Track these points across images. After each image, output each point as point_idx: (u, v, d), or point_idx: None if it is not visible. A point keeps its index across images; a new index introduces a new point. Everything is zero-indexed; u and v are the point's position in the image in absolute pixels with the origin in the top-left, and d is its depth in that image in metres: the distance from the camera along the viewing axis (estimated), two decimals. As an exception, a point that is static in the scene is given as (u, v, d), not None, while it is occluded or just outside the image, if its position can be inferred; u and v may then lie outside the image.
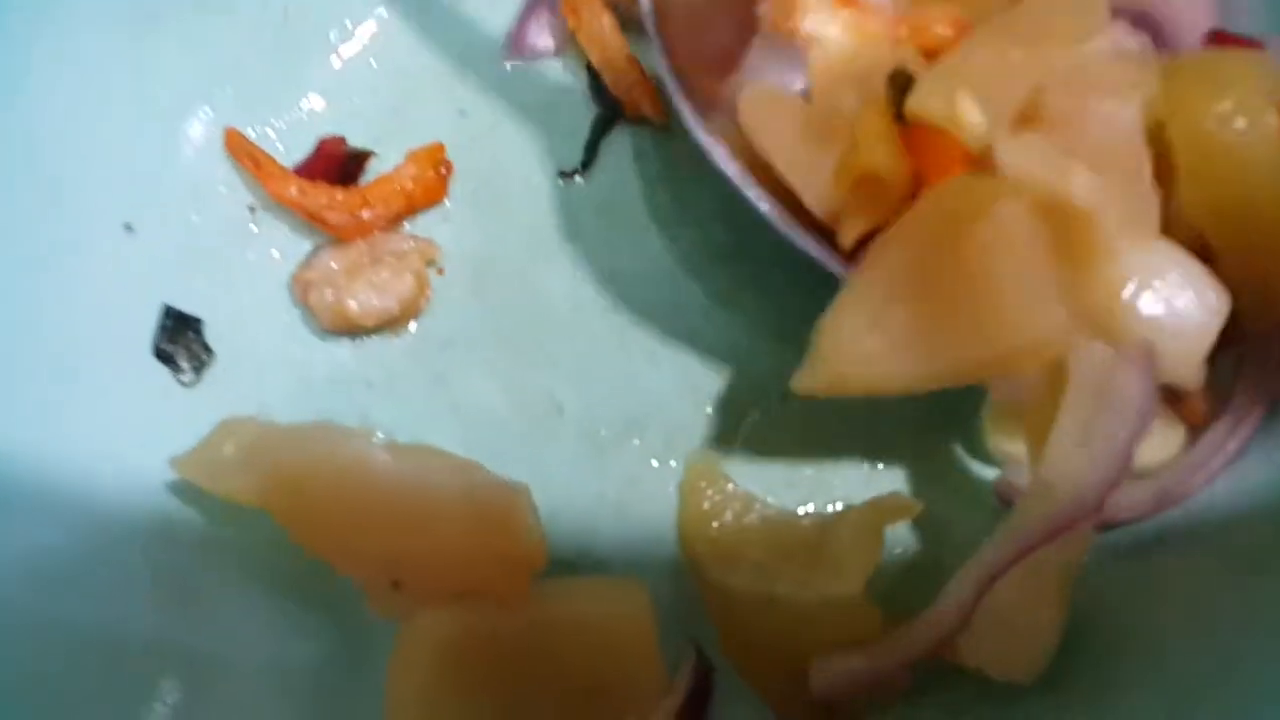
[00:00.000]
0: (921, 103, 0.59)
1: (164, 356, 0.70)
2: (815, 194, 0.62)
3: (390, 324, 0.72)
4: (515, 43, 0.79)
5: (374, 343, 0.73)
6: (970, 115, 0.57)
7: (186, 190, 0.73)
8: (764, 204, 0.63)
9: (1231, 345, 0.66)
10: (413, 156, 0.75)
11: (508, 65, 0.79)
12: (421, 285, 0.72)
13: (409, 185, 0.74)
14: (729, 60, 0.69)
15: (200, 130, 0.74)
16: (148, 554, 0.65)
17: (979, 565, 0.58)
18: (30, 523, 0.61)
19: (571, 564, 0.68)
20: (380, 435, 0.70)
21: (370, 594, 0.62)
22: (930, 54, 0.64)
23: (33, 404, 0.63)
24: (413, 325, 0.73)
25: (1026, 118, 0.60)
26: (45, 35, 0.67)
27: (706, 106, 0.66)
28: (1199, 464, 0.65)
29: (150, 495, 0.66)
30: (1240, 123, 0.59)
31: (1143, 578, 0.65)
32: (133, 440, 0.67)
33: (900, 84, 0.60)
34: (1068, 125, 0.59)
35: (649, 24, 0.66)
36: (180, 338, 0.71)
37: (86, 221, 0.69)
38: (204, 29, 0.74)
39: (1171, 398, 0.68)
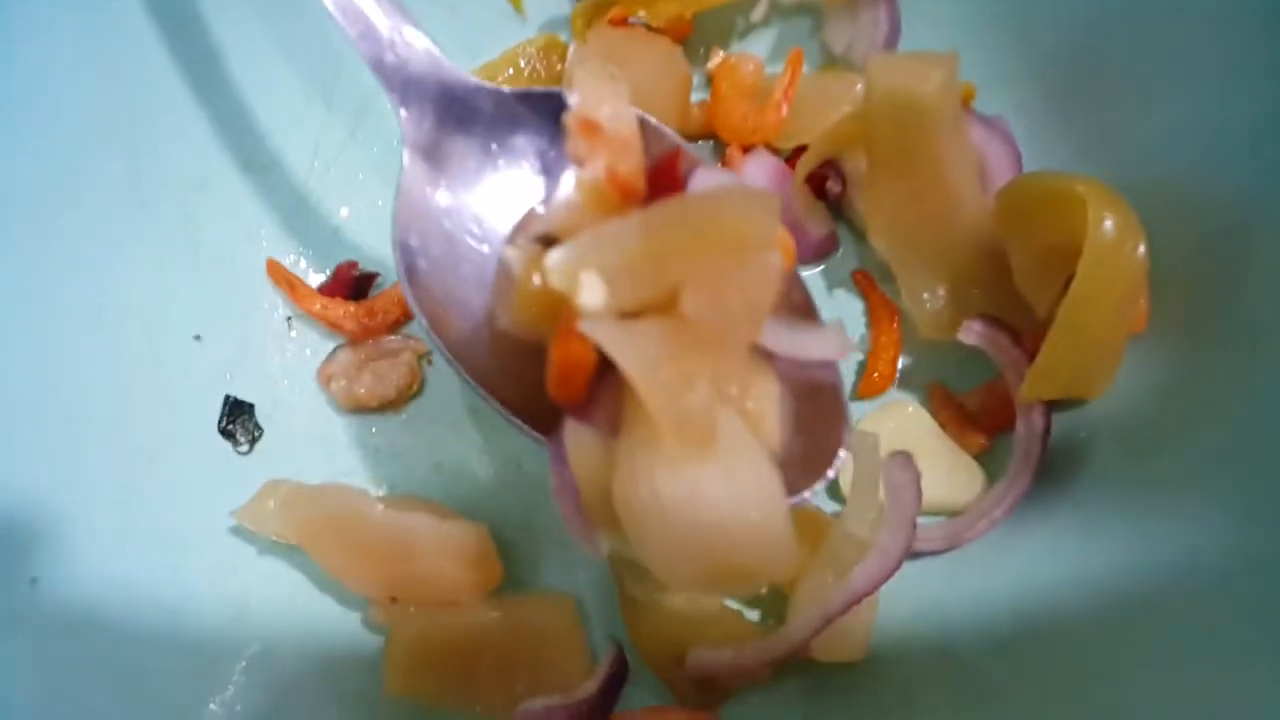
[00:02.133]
0: (547, 270, 0.61)
1: (226, 434, 0.94)
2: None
3: (391, 405, 0.95)
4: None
5: (379, 419, 0.95)
6: (588, 294, 0.60)
7: (240, 308, 0.96)
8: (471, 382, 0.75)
9: (1009, 426, 0.86)
10: (407, 275, 0.97)
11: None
12: (414, 375, 0.95)
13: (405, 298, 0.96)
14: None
15: (249, 261, 0.97)
16: (212, 581, 0.88)
17: (823, 605, 0.79)
18: (127, 567, 0.84)
19: (524, 581, 0.91)
20: (383, 490, 0.93)
21: (373, 605, 0.85)
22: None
23: (123, 483, 0.86)
24: (409, 406, 0.96)
25: (663, 304, 0.62)
26: (126, 207, 0.91)
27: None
28: (983, 513, 0.85)
29: (217, 538, 0.90)
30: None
31: (941, 592, 0.85)
32: (202, 497, 0.90)
33: (546, 245, 0.64)
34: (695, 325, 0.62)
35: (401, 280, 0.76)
36: (238, 419, 0.94)
37: (164, 336, 0.92)
38: (248, 185, 0.97)
39: (956, 433, 0.88)
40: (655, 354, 0.60)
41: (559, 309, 0.64)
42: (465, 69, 0.82)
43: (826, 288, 0.97)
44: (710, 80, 0.97)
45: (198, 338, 0.93)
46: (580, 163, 0.69)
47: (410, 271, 0.77)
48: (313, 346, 0.97)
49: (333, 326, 0.95)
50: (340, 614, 0.88)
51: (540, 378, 0.69)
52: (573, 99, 0.71)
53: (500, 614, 0.84)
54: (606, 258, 0.61)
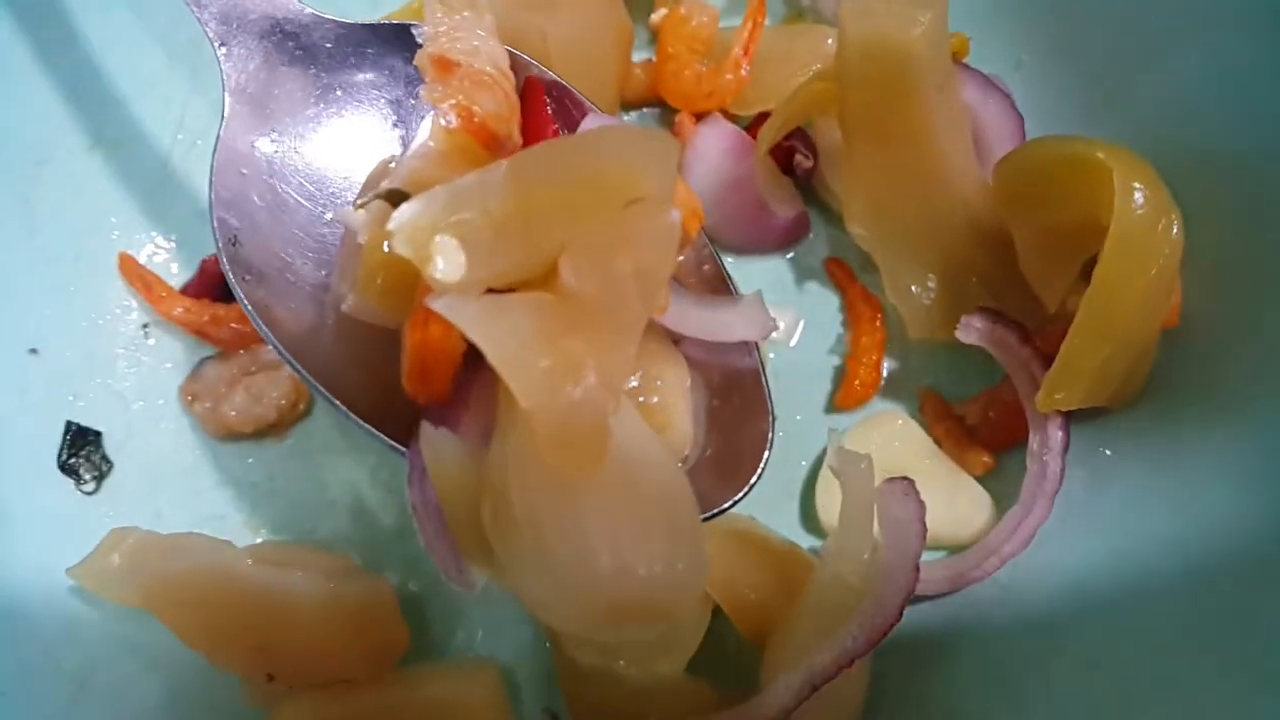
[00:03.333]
0: (392, 235, 0.51)
1: (68, 469, 0.77)
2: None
3: (271, 429, 0.79)
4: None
5: (257, 447, 0.79)
6: (443, 264, 0.50)
7: (86, 313, 0.81)
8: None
9: (1019, 441, 0.73)
10: (290, 271, 0.81)
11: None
12: (298, 392, 0.79)
13: (287, 299, 0.80)
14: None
15: (97, 256, 0.81)
16: (49, 653, 0.72)
17: (807, 668, 0.64)
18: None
19: (440, 644, 0.75)
20: (261, 536, 0.77)
21: (246, 685, 0.69)
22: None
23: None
24: (294, 429, 0.80)
25: (540, 277, 0.53)
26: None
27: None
28: (992, 549, 0.71)
29: (55, 598, 0.73)
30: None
31: (944, 642, 0.71)
32: (38, 548, 0.74)
33: (396, 204, 0.52)
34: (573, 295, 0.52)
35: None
36: (82, 451, 0.78)
37: (-8, 351, 0.76)
38: (95, 164, 0.82)
39: (955, 450, 0.75)
40: (528, 338, 0.50)
41: (414, 284, 0.55)
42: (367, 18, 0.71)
43: (795, 279, 0.84)
44: (656, 35, 0.85)
45: (34, 351, 0.80)
46: (436, 107, 0.59)
47: (232, 245, 0.64)
48: (174, 359, 0.82)
49: (198, 334, 0.80)
50: (206, 695, 0.72)
51: (396, 372, 0.59)
52: (424, 32, 0.61)
53: (406, 692, 0.69)
54: (465, 219, 0.50)
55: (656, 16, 0.84)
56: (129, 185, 0.83)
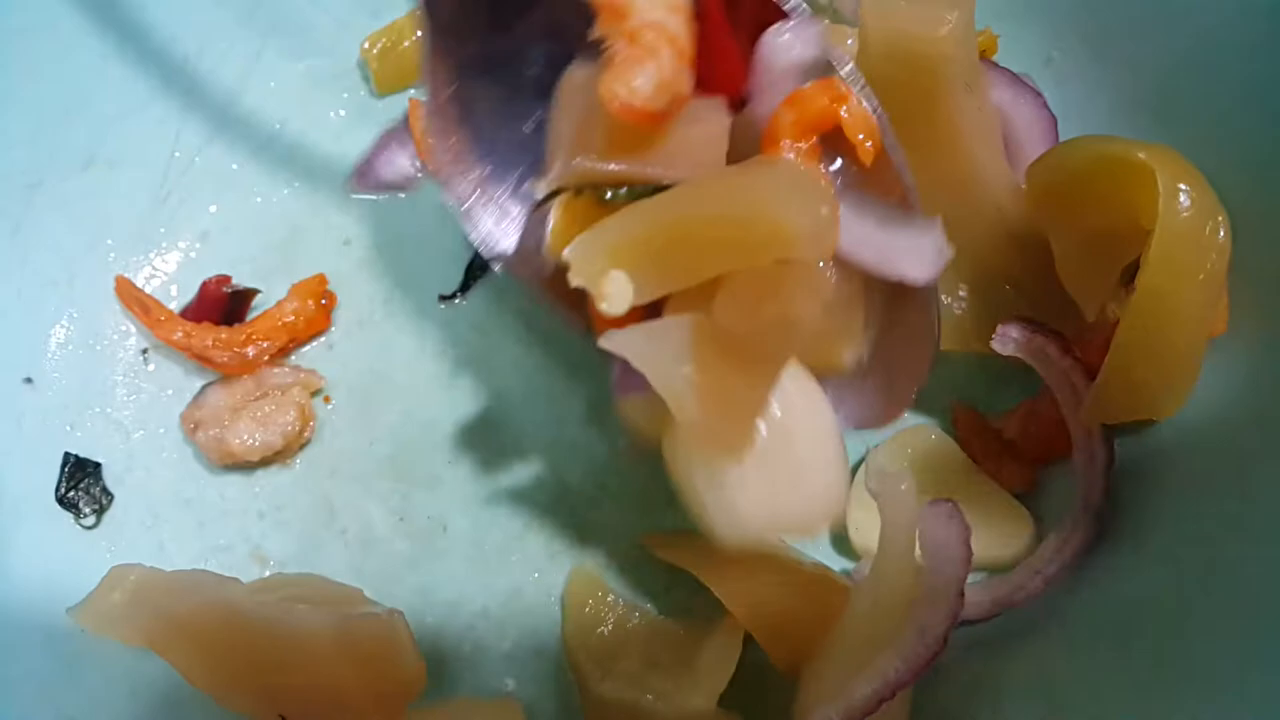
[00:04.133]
0: (572, 273, 0.55)
1: (67, 503, 0.74)
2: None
3: (277, 456, 0.75)
4: (361, 176, 0.82)
5: (263, 475, 0.76)
6: (612, 298, 0.55)
7: (83, 339, 0.77)
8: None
9: (1060, 456, 0.69)
10: (294, 290, 0.78)
11: (375, 197, 0.82)
12: (305, 417, 0.75)
13: (291, 319, 0.77)
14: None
15: (93, 279, 0.78)
16: (49, 694, 0.68)
17: (846, 701, 0.60)
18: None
19: (456, 680, 0.71)
20: (269, 568, 0.73)
21: (256, 728, 0.65)
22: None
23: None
24: (300, 455, 0.76)
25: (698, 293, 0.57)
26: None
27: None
28: (1036, 569, 0.68)
29: (56, 637, 0.69)
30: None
31: (987, 669, 0.67)
32: (38, 586, 0.71)
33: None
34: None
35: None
36: (80, 483, 0.74)
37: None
38: (89, 185, 0.78)
39: (992, 467, 0.71)
40: (682, 363, 0.55)
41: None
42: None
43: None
44: None
45: (29, 380, 0.76)
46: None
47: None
48: (175, 386, 0.78)
49: (200, 359, 0.77)
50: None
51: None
52: None
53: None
54: (632, 250, 0.55)
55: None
56: (124, 206, 0.79)
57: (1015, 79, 0.74)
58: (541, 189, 0.61)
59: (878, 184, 0.63)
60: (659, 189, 0.58)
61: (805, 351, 0.60)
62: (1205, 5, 0.71)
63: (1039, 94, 0.74)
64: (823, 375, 0.62)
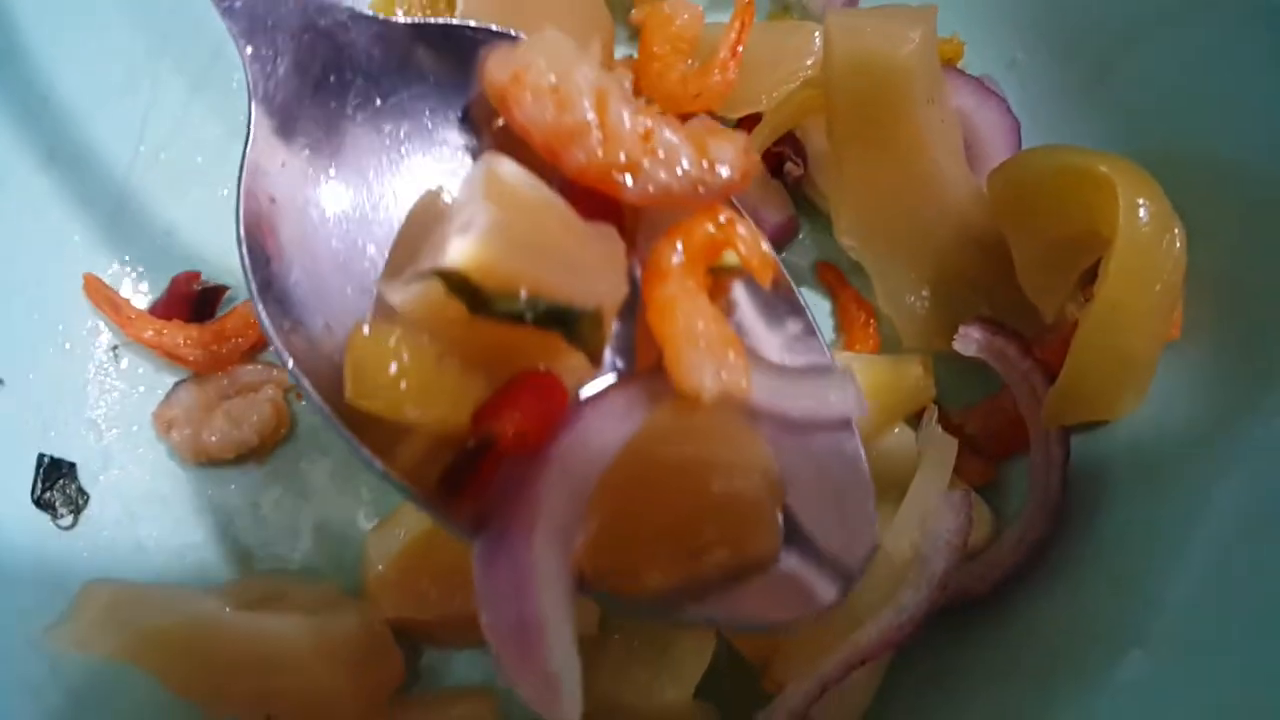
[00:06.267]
0: None
1: (43, 505, 0.74)
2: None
3: (252, 454, 0.76)
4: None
5: (239, 472, 0.77)
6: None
7: (52, 339, 0.77)
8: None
9: (1019, 451, 0.72)
10: (266, 287, 0.78)
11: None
12: (280, 414, 0.76)
13: (263, 316, 0.77)
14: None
15: (60, 279, 0.77)
16: (37, 696, 0.69)
17: (816, 677, 0.64)
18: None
19: (436, 672, 0.73)
20: (245, 569, 0.74)
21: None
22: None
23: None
24: (276, 452, 0.77)
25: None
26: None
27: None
28: (995, 562, 0.71)
29: (41, 641, 0.69)
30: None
31: (947, 656, 0.70)
32: (17, 591, 0.71)
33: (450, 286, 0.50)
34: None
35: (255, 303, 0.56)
36: (56, 484, 0.74)
37: (-45, 384, 0.72)
38: (52, 182, 0.77)
39: (956, 463, 0.73)
40: None
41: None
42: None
43: (785, 285, 0.80)
44: (637, 32, 0.81)
45: (0, 382, 0.74)
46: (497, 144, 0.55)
47: (265, 286, 0.56)
48: (147, 384, 0.79)
49: (171, 357, 0.77)
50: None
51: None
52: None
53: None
54: None
55: (637, 13, 0.80)
56: (90, 203, 0.78)
57: (980, 86, 0.75)
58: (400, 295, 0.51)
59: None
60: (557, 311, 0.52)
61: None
62: (1167, 10, 0.72)
63: (1003, 99, 0.75)
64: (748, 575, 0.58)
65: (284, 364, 0.54)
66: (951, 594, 0.70)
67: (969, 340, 0.72)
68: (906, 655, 0.69)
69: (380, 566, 0.70)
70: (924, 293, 0.75)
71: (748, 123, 0.78)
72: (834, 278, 0.80)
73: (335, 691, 0.66)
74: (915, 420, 0.74)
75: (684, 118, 0.77)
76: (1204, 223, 0.67)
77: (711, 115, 0.78)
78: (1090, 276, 0.69)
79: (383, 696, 0.69)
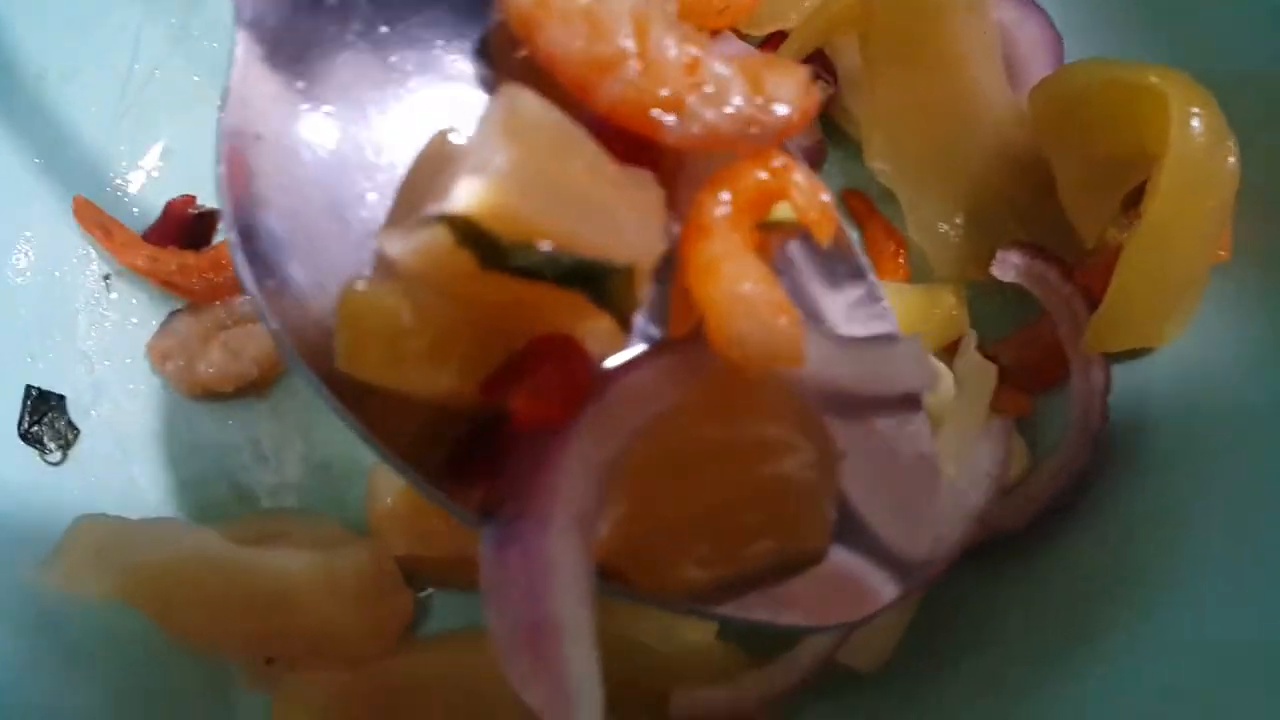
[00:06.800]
0: None
1: (31, 439, 0.71)
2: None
3: (252, 387, 0.73)
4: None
5: (238, 406, 0.74)
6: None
7: (41, 266, 0.73)
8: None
9: (1054, 384, 0.69)
10: (266, 212, 0.74)
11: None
12: (282, 347, 0.72)
13: (263, 243, 0.73)
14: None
15: (49, 201, 0.74)
16: (29, 641, 0.66)
17: None
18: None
19: (450, 611, 0.70)
20: (246, 506, 0.71)
21: (244, 672, 0.64)
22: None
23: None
24: (276, 386, 0.74)
25: None
26: None
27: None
28: (1031, 496, 0.68)
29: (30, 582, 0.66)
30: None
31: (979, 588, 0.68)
32: (6, 528, 0.67)
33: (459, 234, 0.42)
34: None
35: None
36: (44, 417, 0.71)
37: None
38: (43, 99, 0.73)
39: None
40: None
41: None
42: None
43: (811, 215, 0.77)
44: None
45: None
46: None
47: (248, 235, 0.47)
48: (140, 314, 0.75)
49: (166, 285, 0.73)
50: (203, 682, 0.66)
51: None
52: None
53: (418, 662, 0.64)
54: None
55: (660, -74, 0.76)
56: (81, 122, 0.75)
57: (1021, -1, 0.71)
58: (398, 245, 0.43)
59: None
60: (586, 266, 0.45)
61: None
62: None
63: (1044, 12, 0.72)
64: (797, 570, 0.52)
65: (267, 325, 0.47)
66: (985, 530, 0.68)
67: (1007, 265, 0.69)
68: (936, 595, 0.66)
69: (388, 499, 0.66)
70: (958, 219, 0.72)
71: (774, 40, 0.74)
72: (862, 206, 0.77)
73: (344, 629, 0.63)
74: (945, 354, 0.72)
75: (711, 34, 0.74)
76: (1258, 141, 0.64)
77: (735, 32, 0.75)
78: (1134, 199, 0.66)
79: (392, 636, 0.65)
